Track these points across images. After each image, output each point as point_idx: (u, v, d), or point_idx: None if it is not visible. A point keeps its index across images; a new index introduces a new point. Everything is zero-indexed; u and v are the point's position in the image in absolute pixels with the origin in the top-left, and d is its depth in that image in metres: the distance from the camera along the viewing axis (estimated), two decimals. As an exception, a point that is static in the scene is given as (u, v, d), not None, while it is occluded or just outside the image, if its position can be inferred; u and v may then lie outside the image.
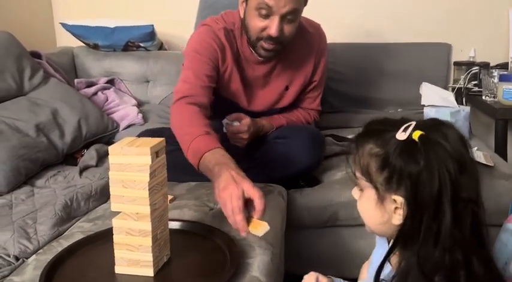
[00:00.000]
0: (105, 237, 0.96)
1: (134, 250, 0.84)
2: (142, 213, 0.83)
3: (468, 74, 1.93)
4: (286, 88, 1.50)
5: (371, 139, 0.70)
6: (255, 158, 1.41)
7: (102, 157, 1.61)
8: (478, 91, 1.85)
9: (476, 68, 1.91)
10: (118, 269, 0.86)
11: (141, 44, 2.12)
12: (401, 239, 0.69)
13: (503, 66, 1.94)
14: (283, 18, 1.26)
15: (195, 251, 0.95)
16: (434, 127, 0.67)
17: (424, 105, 1.68)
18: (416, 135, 0.66)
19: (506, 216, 1.08)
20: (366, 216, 0.75)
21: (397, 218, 0.69)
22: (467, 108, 1.63)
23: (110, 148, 0.82)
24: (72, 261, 0.91)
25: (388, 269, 0.73)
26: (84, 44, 2.18)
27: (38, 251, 0.99)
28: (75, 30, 2.09)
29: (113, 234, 0.87)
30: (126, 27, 2.05)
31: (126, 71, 2.11)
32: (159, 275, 0.86)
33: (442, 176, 0.64)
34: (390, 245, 0.71)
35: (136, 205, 0.82)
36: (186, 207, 1.17)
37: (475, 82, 1.91)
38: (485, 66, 1.92)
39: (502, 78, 1.62)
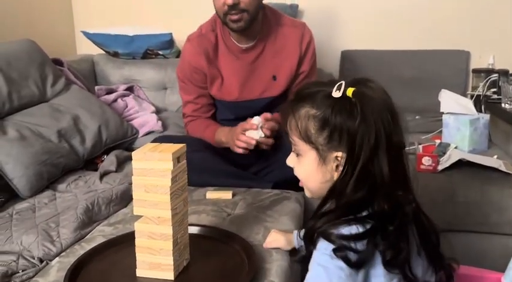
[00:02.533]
0: (126, 241, 0.98)
1: (155, 254, 0.86)
2: (164, 217, 0.84)
3: (487, 81, 1.92)
4: (274, 78, 1.54)
5: (305, 102, 0.72)
6: (272, 159, 1.43)
7: (122, 163, 1.64)
8: (497, 99, 1.83)
9: (495, 75, 1.89)
10: (139, 272, 0.88)
11: (160, 52, 2.15)
12: (338, 187, 0.71)
13: (524, 73, 1.92)
14: None
15: (214, 256, 0.96)
16: (362, 82, 0.71)
17: (443, 113, 1.67)
18: (350, 91, 0.69)
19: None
20: (308, 179, 0.76)
21: (340, 173, 0.71)
22: (487, 116, 1.62)
23: (134, 153, 0.84)
24: (95, 264, 0.93)
25: None
26: (104, 52, 2.23)
27: (61, 254, 1.02)
28: (96, 39, 2.13)
29: (134, 238, 0.89)
30: (145, 36, 2.09)
31: (145, 78, 2.15)
32: (179, 279, 0.87)
33: (378, 126, 0.68)
34: (326, 193, 0.73)
35: (158, 209, 0.84)
36: (204, 213, 1.18)
37: (494, 90, 1.89)
38: (504, 73, 1.90)
39: (522, 86, 1.60)
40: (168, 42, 2.11)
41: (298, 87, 0.79)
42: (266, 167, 1.45)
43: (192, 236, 0.95)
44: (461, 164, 1.48)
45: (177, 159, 0.85)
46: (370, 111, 0.68)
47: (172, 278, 0.86)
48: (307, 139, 0.72)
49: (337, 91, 0.69)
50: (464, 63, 2.09)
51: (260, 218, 1.16)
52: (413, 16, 2.14)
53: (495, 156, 1.56)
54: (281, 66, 1.53)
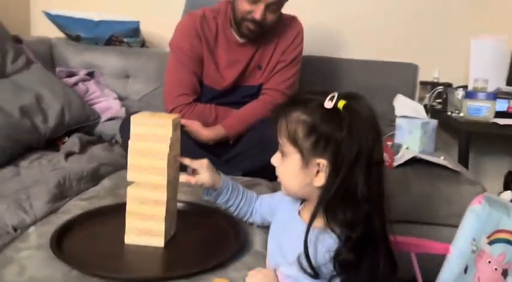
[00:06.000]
0: (110, 213, 0.98)
1: (147, 219, 0.87)
2: (159, 183, 0.85)
3: (433, 92, 2.10)
4: (259, 68, 1.62)
5: (298, 107, 0.76)
6: (242, 147, 1.48)
7: (84, 146, 1.60)
8: (443, 109, 2.01)
9: (441, 87, 2.08)
10: (128, 239, 0.88)
11: (125, 40, 2.12)
12: (324, 198, 0.75)
13: (464, 87, 2.13)
14: (267, 6, 1.46)
15: (200, 228, 0.98)
16: (353, 98, 0.75)
17: (395, 116, 1.80)
18: (341, 104, 0.73)
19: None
20: (288, 180, 0.80)
21: (319, 180, 0.76)
22: (435, 121, 1.77)
23: (133, 117, 0.85)
24: (79, 231, 0.92)
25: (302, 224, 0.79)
26: (63, 35, 2.16)
27: (37, 223, 0.98)
28: (58, 20, 2.06)
29: (117, 210, 0.89)
30: (111, 22, 2.05)
31: (107, 65, 2.10)
32: (169, 247, 0.88)
33: (361, 142, 0.73)
34: (314, 207, 0.76)
35: (154, 175, 0.85)
36: (181, 193, 1.19)
37: (439, 100, 2.07)
38: (448, 86, 2.10)
39: (468, 96, 1.78)
40: (134, 31, 2.09)
41: (293, 94, 0.84)
42: (237, 156, 1.49)
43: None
44: (413, 162, 1.61)
45: (174, 127, 0.87)
46: (356, 126, 0.72)
47: (162, 245, 0.87)
48: (294, 142, 0.76)
49: (330, 101, 0.74)
50: (413, 76, 2.26)
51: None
52: (370, 28, 2.28)
53: (442, 157, 1.71)
54: (266, 56, 1.60)
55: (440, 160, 1.66)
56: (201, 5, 2.08)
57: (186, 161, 0.93)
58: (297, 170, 0.77)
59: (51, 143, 1.59)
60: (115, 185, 1.24)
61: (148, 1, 2.30)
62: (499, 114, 1.81)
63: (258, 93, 1.63)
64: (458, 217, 1.48)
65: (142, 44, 2.20)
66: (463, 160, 1.77)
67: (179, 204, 1.04)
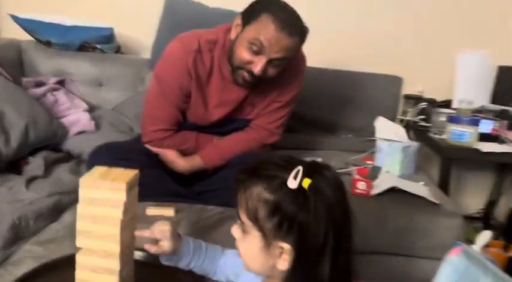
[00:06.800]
0: (62, 267, 0.91)
1: (98, 288, 0.80)
2: (111, 251, 0.79)
3: (417, 108, 2.05)
4: (252, 105, 1.50)
5: (260, 182, 0.69)
6: (217, 182, 1.41)
7: (50, 166, 1.52)
8: (426, 126, 1.96)
9: (425, 103, 2.03)
10: (78, 307, 0.82)
11: (98, 46, 2.02)
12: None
13: (448, 103, 2.08)
14: (270, 61, 1.29)
15: (158, 286, 0.92)
16: (319, 172, 0.69)
17: (376, 138, 1.75)
18: (306, 183, 0.66)
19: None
20: (248, 259, 0.74)
21: (282, 263, 0.69)
22: (417, 144, 1.73)
23: (82, 180, 0.78)
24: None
25: None
26: (33, 39, 2.05)
27: (-17, 279, 0.92)
28: (27, 25, 1.95)
29: (71, 263, 0.82)
30: (83, 27, 1.96)
31: (79, 72, 2.01)
32: (123, 314, 0.82)
33: (327, 226, 0.66)
34: None
35: (105, 242, 0.79)
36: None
37: (423, 117, 2.03)
38: (432, 102, 2.05)
39: (451, 120, 1.73)
40: (108, 37, 2.00)
41: (256, 161, 0.73)
42: (211, 191, 1.40)
43: (136, 262, 0.90)
44: (392, 189, 1.57)
45: (129, 189, 0.80)
46: (322, 209, 0.66)
47: (116, 314, 0.81)
48: (255, 221, 0.69)
49: (294, 180, 0.67)
50: (397, 89, 2.21)
51: (205, 240, 1.11)
52: (354, 38, 2.21)
53: (421, 183, 1.67)
54: (262, 94, 1.47)
55: (420, 186, 1.62)
56: (181, 10, 1.99)
57: (146, 233, 0.86)
58: (258, 250, 0.71)
59: (13, 163, 1.51)
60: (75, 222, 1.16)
61: (124, 4, 2.19)
62: (483, 137, 1.78)
63: (246, 126, 1.54)
64: (436, 250, 1.47)
65: (117, 49, 2.10)
66: (444, 186, 1.73)
67: (137, 253, 0.98)
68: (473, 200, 2.32)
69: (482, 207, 2.30)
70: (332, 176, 0.70)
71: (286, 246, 0.68)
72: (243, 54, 1.31)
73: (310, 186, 0.67)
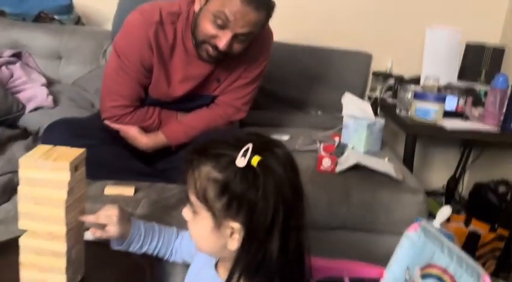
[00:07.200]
0: (9, 249, 0.87)
1: (44, 271, 0.77)
2: (56, 233, 0.75)
3: (385, 85, 2.05)
4: (218, 81, 1.46)
5: (209, 161, 0.67)
6: (182, 159, 1.37)
7: (4, 144, 1.45)
8: (393, 103, 1.96)
9: (392, 81, 2.02)
10: (23, 291, 0.78)
11: (56, 17, 1.92)
12: (239, 263, 0.68)
13: (417, 79, 2.08)
14: (236, 36, 1.25)
15: (112, 268, 0.89)
16: (269, 150, 0.67)
17: (343, 115, 1.74)
18: (255, 161, 0.65)
19: (410, 227, 1.17)
20: (200, 240, 0.73)
21: (233, 243, 0.68)
22: (382, 121, 1.72)
23: (21, 160, 0.73)
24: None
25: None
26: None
27: None
28: (-23, -8, 1.83)
29: (13, 246, 0.79)
30: (39, -4, 1.85)
31: (36, 45, 1.91)
32: (72, 298, 0.80)
33: (277, 204, 0.65)
34: (230, 270, 0.69)
35: (50, 224, 0.75)
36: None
37: (390, 93, 2.03)
38: (400, 80, 2.04)
39: (417, 96, 1.73)
40: (67, 7, 1.90)
41: (206, 141, 0.71)
42: (174, 169, 1.36)
43: (86, 243, 0.87)
44: (357, 166, 1.57)
45: (74, 168, 0.76)
46: (271, 187, 0.65)
47: (64, 298, 0.79)
48: (205, 201, 0.67)
49: (242, 158, 0.65)
50: (366, 65, 2.19)
51: (165, 220, 1.09)
52: (323, 15, 2.18)
53: (386, 159, 1.68)
54: (227, 70, 1.43)
55: (385, 163, 1.63)
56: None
57: (90, 218, 0.82)
58: (209, 231, 0.69)
59: (-35, 141, 1.43)
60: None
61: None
62: (448, 114, 1.79)
63: (211, 103, 1.49)
64: (399, 225, 1.49)
65: (77, 21, 2.00)
66: (408, 163, 1.75)
67: (90, 236, 0.95)
68: (438, 175, 2.37)
69: (447, 182, 2.34)
70: (282, 154, 0.69)
71: (237, 225, 0.67)
72: (207, 27, 1.26)
73: (259, 163, 0.65)
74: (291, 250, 0.67)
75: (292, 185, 0.68)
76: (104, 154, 1.30)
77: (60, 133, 1.27)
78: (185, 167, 0.70)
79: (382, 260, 1.09)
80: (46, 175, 0.73)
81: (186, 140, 1.44)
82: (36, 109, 1.67)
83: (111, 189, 1.22)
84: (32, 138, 1.58)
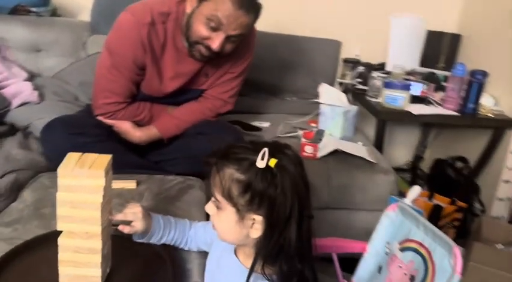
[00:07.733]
0: (36, 247, 0.94)
1: (81, 266, 0.85)
2: (93, 232, 0.84)
3: (354, 71, 2.18)
4: (206, 75, 1.54)
5: (231, 164, 0.78)
6: (176, 150, 1.46)
7: (-4, 141, 1.47)
8: (363, 89, 2.11)
9: (362, 68, 2.16)
10: (62, 285, 0.86)
11: (33, 9, 1.91)
12: (261, 251, 0.79)
13: (383, 66, 2.24)
14: (228, 37, 1.32)
15: (135, 258, 0.98)
16: (281, 152, 0.78)
17: (319, 102, 1.87)
18: (273, 163, 0.76)
19: (384, 204, 1.31)
20: (224, 231, 0.83)
21: (255, 232, 0.79)
22: (356, 108, 1.87)
23: (59, 170, 0.80)
24: (7, 273, 0.88)
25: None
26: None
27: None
28: (-51, -15, 1.79)
29: (46, 242, 0.88)
30: (15, -11, 1.82)
31: (13, 38, 1.90)
32: (106, 287, 0.88)
33: (293, 198, 0.76)
34: (253, 258, 0.81)
35: (87, 225, 0.83)
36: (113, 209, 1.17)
37: (360, 80, 2.17)
38: (368, 66, 2.19)
39: (386, 85, 1.88)
40: None
41: (227, 145, 0.81)
42: (168, 160, 1.46)
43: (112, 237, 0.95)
44: (335, 151, 1.71)
45: (106, 174, 0.84)
46: (288, 184, 0.76)
47: (99, 288, 0.87)
48: (229, 198, 0.78)
49: (261, 161, 0.75)
50: (336, 52, 2.32)
51: (170, 211, 1.18)
52: (296, 4, 2.27)
53: (361, 143, 1.83)
54: (215, 66, 1.50)
55: (359, 147, 1.78)
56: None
57: (120, 217, 0.91)
58: (233, 224, 0.80)
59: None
60: (38, 201, 1.17)
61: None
62: (413, 99, 1.95)
63: (199, 96, 1.57)
64: (373, 203, 1.66)
65: (54, 12, 1.99)
66: (378, 146, 1.91)
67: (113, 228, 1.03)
68: (402, 153, 2.57)
69: (410, 159, 2.55)
70: (293, 154, 0.80)
71: (258, 217, 0.78)
72: (200, 29, 1.33)
73: (276, 164, 0.76)
74: (304, 235, 0.80)
75: (303, 181, 0.80)
76: (102, 150, 1.36)
77: (59, 133, 1.32)
78: (209, 170, 0.81)
79: (361, 234, 1.26)
80: (83, 182, 0.80)
81: (178, 132, 1.53)
82: (22, 104, 1.68)
83: (115, 184, 1.28)
84: (21, 134, 1.60)
